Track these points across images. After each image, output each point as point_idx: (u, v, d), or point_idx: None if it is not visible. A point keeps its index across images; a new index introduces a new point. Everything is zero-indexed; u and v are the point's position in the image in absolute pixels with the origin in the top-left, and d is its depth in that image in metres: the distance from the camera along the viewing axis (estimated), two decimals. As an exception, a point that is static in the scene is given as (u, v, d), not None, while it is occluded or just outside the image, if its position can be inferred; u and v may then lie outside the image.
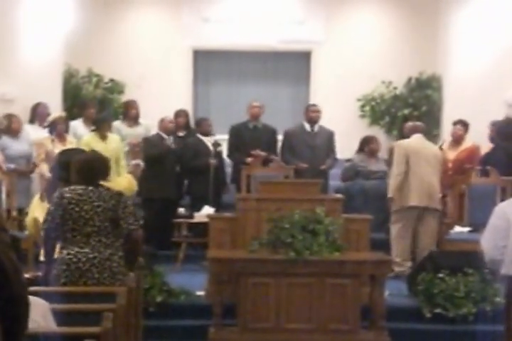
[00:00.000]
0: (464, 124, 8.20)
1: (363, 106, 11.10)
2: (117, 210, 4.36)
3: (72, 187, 4.40)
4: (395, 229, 6.95)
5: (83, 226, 4.33)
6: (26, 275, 4.37)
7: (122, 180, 5.49)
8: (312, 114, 8.21)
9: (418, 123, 7.57)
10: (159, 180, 7.80)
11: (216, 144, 8.14)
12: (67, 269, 4.30)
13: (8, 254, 2.00)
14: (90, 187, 4.39)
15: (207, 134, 8.19)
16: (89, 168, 4.46)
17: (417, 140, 7.12)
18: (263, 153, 8.12)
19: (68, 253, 4.30)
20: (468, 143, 8.17)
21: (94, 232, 4.33)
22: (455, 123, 8.26)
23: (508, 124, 7.64)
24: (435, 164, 7.06)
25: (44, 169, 7.18)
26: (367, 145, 8.11)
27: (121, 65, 10.91)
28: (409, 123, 7.59)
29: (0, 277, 1.97)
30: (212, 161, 7.86)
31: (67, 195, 4.36)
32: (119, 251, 4.43)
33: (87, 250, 4.32)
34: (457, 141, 8.15)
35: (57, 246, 4.47)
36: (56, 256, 4.47)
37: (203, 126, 8.27)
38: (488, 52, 9.31)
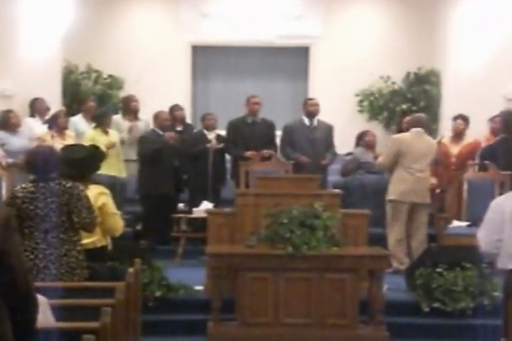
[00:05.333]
0: (464, 119, 8.19)
1: (361, 101, 11.08)
2: (70, 204, 4.33)
3: (24, 185, 4.36)
4: (392, 225, 6.94)
5: (40, 223, 4.28)
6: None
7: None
8: (311, 108, 8.19)
9: (421, 115, 7.40)
10: (157, 177, 7.75)
11: (220, 138, 8.15)
12: None
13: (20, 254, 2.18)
14: (41, 184, 4.32)
15: (210, 128, 8.21)
16: (35, 162, 4.39)
17: (414, 134, 7.04)
18: (271, 151, 8.09)
19: (25, 250, 4.22)
20: (468, 137, 8.17)
21: (52, 228, 4.29)
22: (455, 118, 8.24)
23: None
24: (429, 159, 7.05)
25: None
26: (362, 139, 8.07)
27: (120, 61, 10.90)
28: (413, 115, 7.45)
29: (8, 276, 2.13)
30: (213, 143, 7.90)
31: (20, 195, 4.31)
32: (78, 246, 4.41)
33: (43, 246, 4.28)
34: (458, 135, 8.15)
35: None
36: None
37: (207, 120, 8.28)
38: (486, 46, 9.30)
